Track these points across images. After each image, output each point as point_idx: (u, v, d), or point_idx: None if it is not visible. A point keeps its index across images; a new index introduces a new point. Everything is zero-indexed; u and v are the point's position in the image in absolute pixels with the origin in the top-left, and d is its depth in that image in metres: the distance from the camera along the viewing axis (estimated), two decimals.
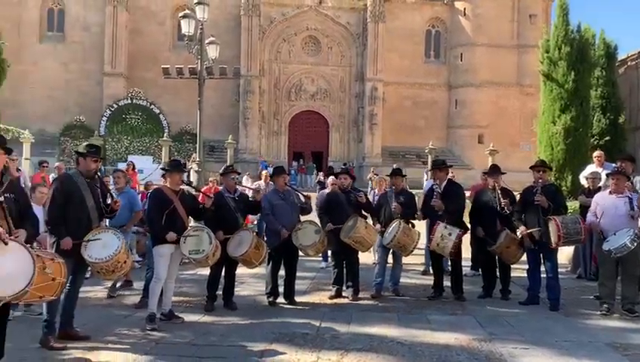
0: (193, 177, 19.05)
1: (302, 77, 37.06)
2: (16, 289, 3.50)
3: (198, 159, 15.63)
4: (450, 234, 6.88)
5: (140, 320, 5.78)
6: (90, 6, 35.49)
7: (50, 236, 5.01)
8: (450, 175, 7.74)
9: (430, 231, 7.18)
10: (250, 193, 7.93)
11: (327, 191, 8.64)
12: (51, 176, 11.44)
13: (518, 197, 7.42)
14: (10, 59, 18.92)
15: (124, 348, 4.95)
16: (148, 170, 22.46)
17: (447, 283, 7.47)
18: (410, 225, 7.22)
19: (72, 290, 5.10)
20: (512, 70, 37.30)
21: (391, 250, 7.40)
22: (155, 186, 7.52)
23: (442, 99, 38.29)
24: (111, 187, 7.34)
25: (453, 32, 38.10)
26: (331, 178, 10.07)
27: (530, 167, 7.12)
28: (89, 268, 5.35)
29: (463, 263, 7.67)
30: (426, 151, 28.61)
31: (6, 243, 3.49)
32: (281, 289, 6.95)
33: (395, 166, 9.06)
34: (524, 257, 7.21)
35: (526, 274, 7.19)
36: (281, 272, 6.99)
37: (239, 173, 8.64)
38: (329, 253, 9.11)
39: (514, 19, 37.56)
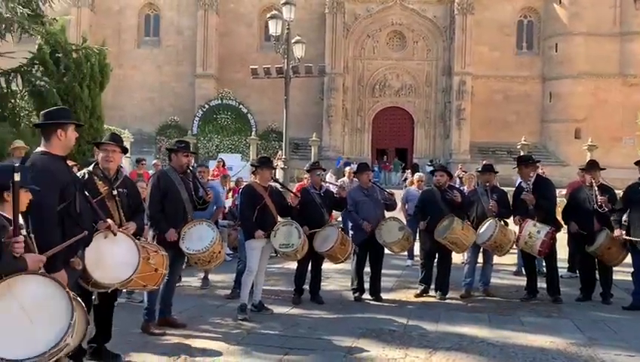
0: (279, 174, 19.50)
1: (386, 73, 36.74)
2: (123, 278, 3.77)
3: (284, 157, 15.97)
4: (539, 232, 6.55)
5: (231, 310, 6.02)
6: (183, 11, 37.28)
7: (151, 230, 5.28)
8: (539, 171, 7.38)
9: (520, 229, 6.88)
10: (334, 189, 7.99)
11: (412, 188, 8.54)
12: (150, 173, 12.16)
13: (620, 195, 6.92)
14: (111, 63, 20.32)
15: (218, 336, 5.17)
16: (237, 167, 23.24)
17: (541, 284, 7.12)
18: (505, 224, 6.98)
19: (170, 280, 5.39)
20: (613, 60, 34.75)
21: (481, 249, 7.16)
22: (246, 183, 7.78)
23: (535, 92, 36.42)
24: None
25: (547, 21, 36.09)
26: (417, 175, 9.95)
27: (636, 163, 6.62)
28: (186, 259, 5.65)
29: (559, 264, 7.28)
30: (518, 146, 27.34)
31: (115, 235, 3.77)
32: (366, 285, 6.95)
33: (484, 162, 8.77)
34: (628, 258, 6.72)
35: (630, 278, 6.70)
36: (367, 269, 7.00)
37: (325, 170, 8.73)
38: (415, 250, 9.02)
39: (615, 4, 34.95)
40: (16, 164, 3.20)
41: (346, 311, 6.29)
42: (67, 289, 2.60)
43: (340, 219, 10.80)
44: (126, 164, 17.40)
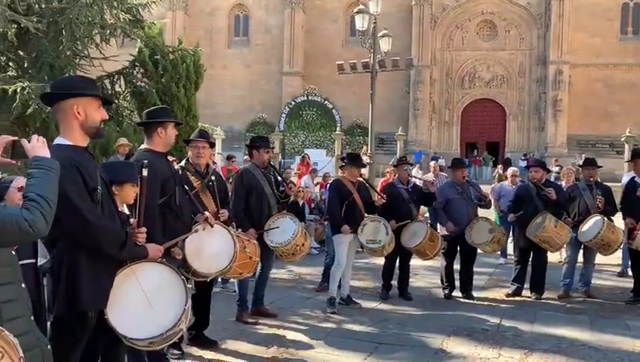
0: (364, 170, 19.44)
1: (476, 64, 35.48)
2: (221, 267, 3.94)
3: (369, 152, 15.91)
4: None
5: (320, 303, 6.11)
6: (271, 10, 38.17)
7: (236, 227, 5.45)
8: None
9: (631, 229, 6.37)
10: (420, 183, 7.85)
11: (505, 183, 8.20)
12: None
13: None
14: (205, 63, 21.30)
15: (307, 328, 5.26)
16: (322, 163, 23.49)
17: None
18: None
19: (262, 272, 5.57)
20: None
21: (581, 248, 6.74)
22: (333, 178, 7.85)
23: None
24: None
25: None
26: (511, 169, 9.53)
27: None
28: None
29: None
30: (622, 139, 25.27)
31: (212, 226, 3.95)
32: (456, 283, 6.78)
33: (585, 156, 8.23)
34: None
35: None
36: (456, 266, 6.82)
37: (412, 165, 8.59)
38: (508, 249, 8.66)
39: None
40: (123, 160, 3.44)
41: (436, 309, 6.16)
42: (182, 277, 2.79)
43: (427, 214, 10.62)
44: (217, 160, 18.13)
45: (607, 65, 33.71)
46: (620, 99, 33.48)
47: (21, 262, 3.06)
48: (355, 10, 14.80)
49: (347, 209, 5.97)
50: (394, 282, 6.72)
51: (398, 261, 6.65)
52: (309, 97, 35.69)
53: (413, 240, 6.32)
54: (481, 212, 7.04)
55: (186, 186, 3.92)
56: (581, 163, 7.46)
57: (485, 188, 7.83)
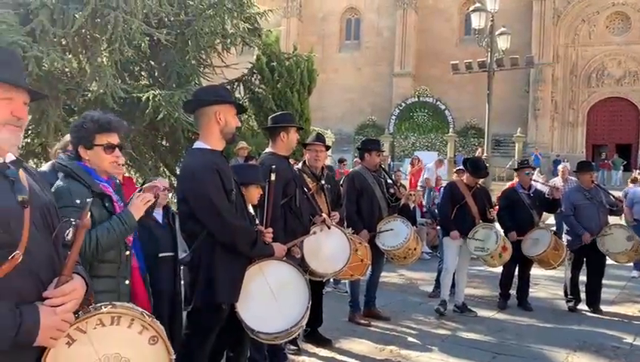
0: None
1: (605, 60, 32.70)
2: (336, 268, 4.02)
3: (485, 154, 15.30)
4: None
5: (433, 309, 5.98)
6: (382, 12, 38.11)
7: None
8: None
9: None
10: (544, 189, 7.37)
11: (638, 188, 7.50)
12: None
13: None
14: (316, 67, 21.80)
15: (421, 333, 5.18)
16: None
17: None
18: None
19: (373, 275, 5.58)
20: None
21: None
22: (448, 181, 7.65)
23: None
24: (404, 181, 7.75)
25: None
26: None
27: None
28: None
29: None
30: None
31: (329, 228, 4.04)
32: (582, 295, 6.30)
33: None
34: None
35: None
36: (582, 277, 6.33)
37: (534, 169, 8.12)
38: None
39: None
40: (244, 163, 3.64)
41: (559, 321, 5.77)
42: (306, 276, 2.90)
43: (547, 222, 9.97)
44: (330, 162, 18.45)
45: None
46: None
47: (161, 255, 3.37)
48: (471, 9, 14.31)
49: (458, 213, 5.80)
50: (512, 291, 6.40)
51: (517, 269, 6.33)
52: (420, 98, 35.15)
53: (535, 248, 5.97)
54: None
55: (304, 188, 4.05)
56: None
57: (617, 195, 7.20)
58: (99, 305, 1.68)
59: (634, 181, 9.42)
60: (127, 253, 2.42)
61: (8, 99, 1.54)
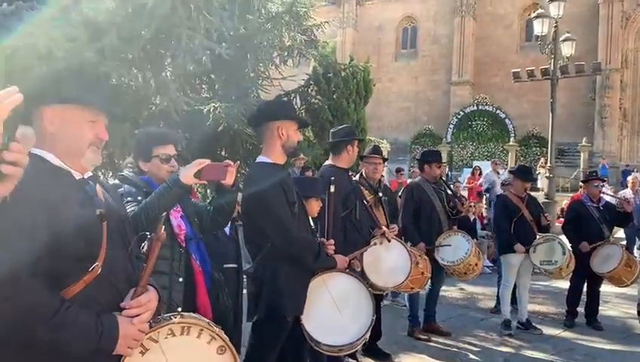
0: (543, 183, 18.10)
1: None
2: (397, 282, 3.96)
3: (549, 164, 14.75)
4: None
5: (495, 324, 5.80)
6: (439, 19, 37.64)
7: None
8: None
9: None
10: (613, 201, 7.01)
11: None
12: (408, 181, 12.59)
13: None
14: (372, 77, 21.81)
15: (484, 350, 5.02)
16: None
17: None
18: None
19: (433, 289, 5.46)
20: None
21: None
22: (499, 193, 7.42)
23: None
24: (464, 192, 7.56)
25: None
26: None
27: None
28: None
29: None
30: None
31: (389, 241, 3.99)
32: None
33: None
34: None
35: None
36: None
37: (603, 181, 7.73)
38: None
39: None
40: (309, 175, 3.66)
41: (633, 343, 5.45)
42: (369, 289, 2.88)
43: (616, 236, 9.48)
44: (384, 173, 18.35)
45: None
46: None
47: (225, 266, 3.44)
48: (533, 15, 13.89)
49: (516, 226, 5.59)
50: (580, 309, 6.10)
51: (585, 285, 6.03)
52: (479, 107, 34.34)
53: (605, 265, 5.68)
54: None
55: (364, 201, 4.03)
56: None
57: None
58: (168, 315, 1.73)
59: None
60: (181, 250, 2.46)
61: (93, 121, 1.64)
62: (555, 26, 13.48)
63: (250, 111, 11.87)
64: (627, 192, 9.49)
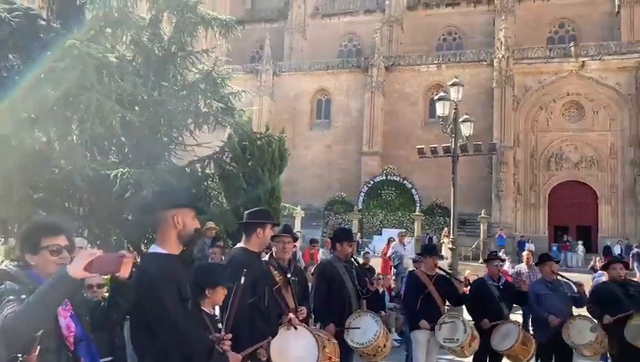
0: (447, 253, 18.90)
1: (562, 145, 34.36)
2: None
3: (452, 236, 15.48)
4: None
5: None
6: (352, 94, 39.55)
7: (314, 321, 5.29)
8: None
9: None
10: (507, 268, 7.44)
11: (603, 279, 7.63)
12: (320, 252, 12.66)
13: None
14: (288, 145, 22.29)
15: None
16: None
17: None
18: None
19: None
20: None
21: None
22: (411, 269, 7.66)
23: None
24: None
25: None
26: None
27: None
28: None
29: None
30: None
31: (296, 328, 3.93)
32: None
33: None
34: None
35: None
36: None
37: (503, 260, 8.20)
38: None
39: None
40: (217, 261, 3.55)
41: None
42: None
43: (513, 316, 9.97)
44: (298, 243, 18.35)
45: None
46: None
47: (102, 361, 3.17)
48: (436, 98, 14.98)
49: (422, 303, 5.77)
50: None
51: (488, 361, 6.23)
52: (388, 177, 35.83)
53: (504, 343, 5.91)
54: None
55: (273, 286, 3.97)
56: None
57: (574, 277, 7.30)
58: None
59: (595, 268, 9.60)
60: (70, 354, 2.25)
61: None
62: (455, 108, 14.58)
63: (160, 177, 11.60)
64: (522, 267, 10.03)
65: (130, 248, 10.79)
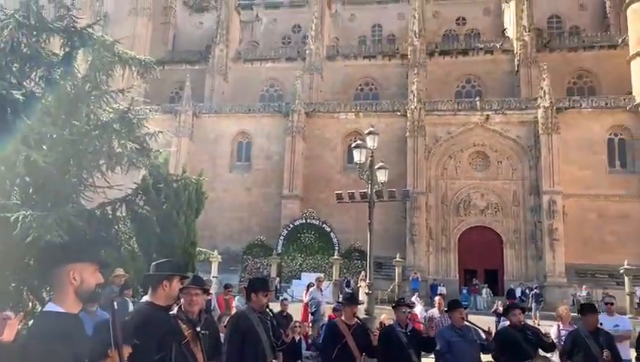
0: (363, 298, 19.08)
1: (470, 192, 36.41)
2: None
3: (368, 281, 15.73)
4: None
5: None
6: (272, 138, 39.88)
7: None
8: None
9: None
10: (418, 311, 7.64)
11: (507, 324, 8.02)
12: (235, 299, 12.38)
13: None
14: (206, 187, 21.91)
15: None
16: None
17: None
18: None
19: None
20: None
21: None
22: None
23: (635, 212, 34.18)
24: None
25: None
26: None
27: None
28: None
29: None
30: (621, 271, 25.13)
31: None
32: None
33: (584, 296, 8.14)
34: None
35: None
36: None
37: (411, 307, 8.39)
38: None
39: None
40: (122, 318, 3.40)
41: None
42: None
43: None
44: (213, 289, 17.87)
45: (599, 196, 34.53)
46: (615, 230, 33.86)
47: None
48: (353, 145, 15.49)
49: (339, 353, 5.81)
50: None
51: None
52: (308, 220, 36.04)
53: None
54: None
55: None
56: (581, 299, 7.33)
57: (480, 319, 7.62)
58: None
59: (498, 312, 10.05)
60: None
61: None
62: (371, 156, 15.13)
63: (67, 221, 10.98)
64: (434, 312, 10.25)
65: (30, 296, 10.07)
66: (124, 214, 13.76)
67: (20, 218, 9.72)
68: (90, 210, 13.02)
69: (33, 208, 10.50)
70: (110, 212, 13.42)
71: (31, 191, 11.71)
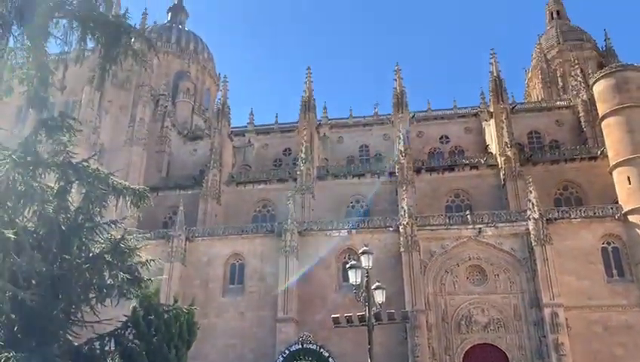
0: None
1: (470, 307, 35.45)
2: None
3: None
4: None
5: None
6: (266, 259, 39.45)
7: None
8: None
9: None
10: None
11: None
12: None
13: None
14: (198, 314, 21.14)
15: None
16: None
17: None
18: None
19: None
20: None
21: None
22: None
23: (638, 321, 33.27)
24: None
25: (634, 246, 34.78)
26: None
27: None
28: None
29: None
30: None
31: None
32: None
33: None
34: None
35: None
36: None
37: None
38: None
39: None
40: None
41: None
42: None
43: None
44: None
45: (601, 306, 33.76)
46: (622, 342, 32.71)
47: None
48: (348, 266, 15.31)
49: None
50: None
51: None
52: (304, 345, 34.53)
53: None
54: None
55: None
56: None
57: None
58: None
59: None
60: None
61: None
62: (367, 276, 14.89)
63: (51, 361, 10.38)
64: None
65: None
66: (113, 349, 13.18)
67: (2, 360, 9.23)
68: (77, 346, 12.44)
69: (17, 348, 10.02)
70: (98, 347, 12.85)
71: (16, 329, 11.26)
